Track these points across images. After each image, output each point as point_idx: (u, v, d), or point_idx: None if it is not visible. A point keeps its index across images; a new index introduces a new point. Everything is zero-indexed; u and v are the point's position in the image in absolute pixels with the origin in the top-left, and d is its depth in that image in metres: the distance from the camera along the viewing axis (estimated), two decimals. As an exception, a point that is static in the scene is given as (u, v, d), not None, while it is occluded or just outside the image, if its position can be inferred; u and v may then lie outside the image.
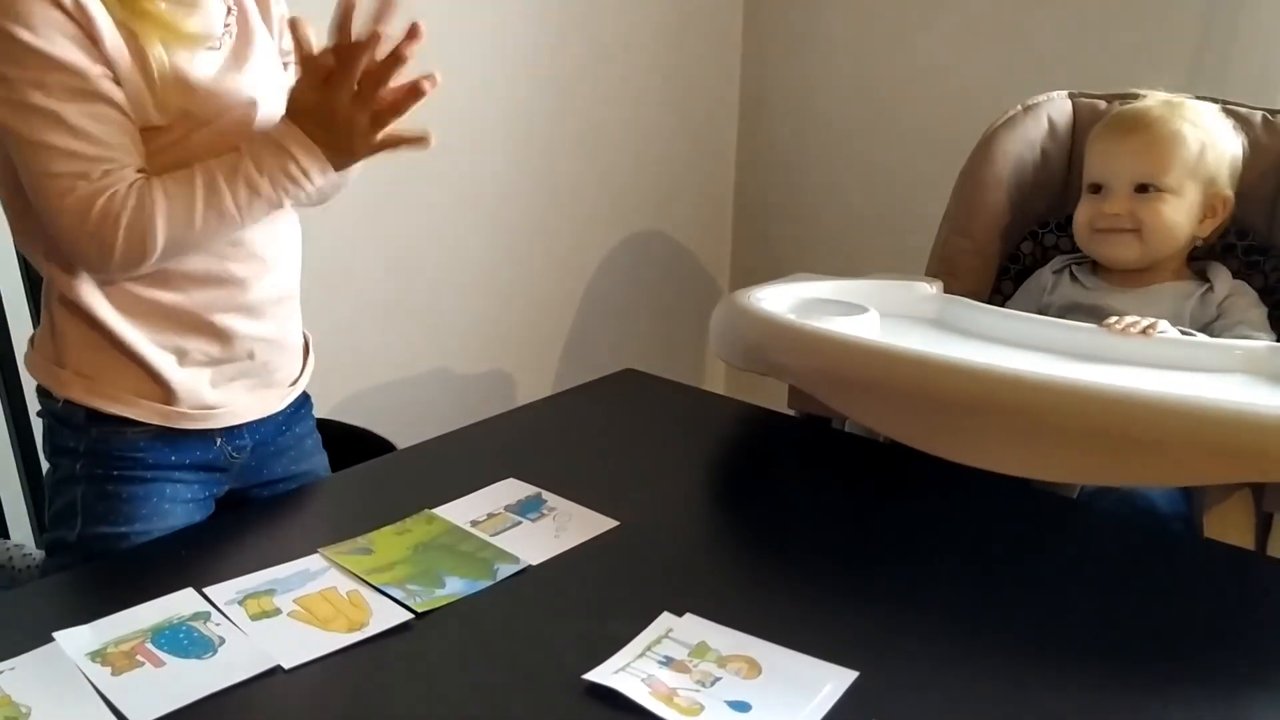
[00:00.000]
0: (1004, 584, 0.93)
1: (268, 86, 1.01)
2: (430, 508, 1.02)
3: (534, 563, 0.93)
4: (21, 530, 1.30)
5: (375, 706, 0.77)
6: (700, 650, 0.81)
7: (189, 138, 0.96)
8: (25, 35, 0.86)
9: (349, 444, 1.28)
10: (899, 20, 2.18)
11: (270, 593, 0.88)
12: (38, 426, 1.12)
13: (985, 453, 1.06)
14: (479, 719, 0.76)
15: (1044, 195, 1.55)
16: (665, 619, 0.85)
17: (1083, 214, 1.42)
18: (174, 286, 0.99)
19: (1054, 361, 1.17)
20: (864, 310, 1.25)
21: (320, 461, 1.19)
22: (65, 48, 0.88)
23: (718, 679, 0.78)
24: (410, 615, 0.85)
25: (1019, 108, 1.54)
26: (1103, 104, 1.53)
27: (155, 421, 1.01)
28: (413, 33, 0.90)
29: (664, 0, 2.22)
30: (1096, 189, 1.41)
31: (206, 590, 0.88)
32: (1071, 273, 1.46)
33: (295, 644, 0.81)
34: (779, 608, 0.89)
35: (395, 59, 0.90)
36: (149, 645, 0.81)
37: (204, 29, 0.98)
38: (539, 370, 2.21)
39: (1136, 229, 1.37)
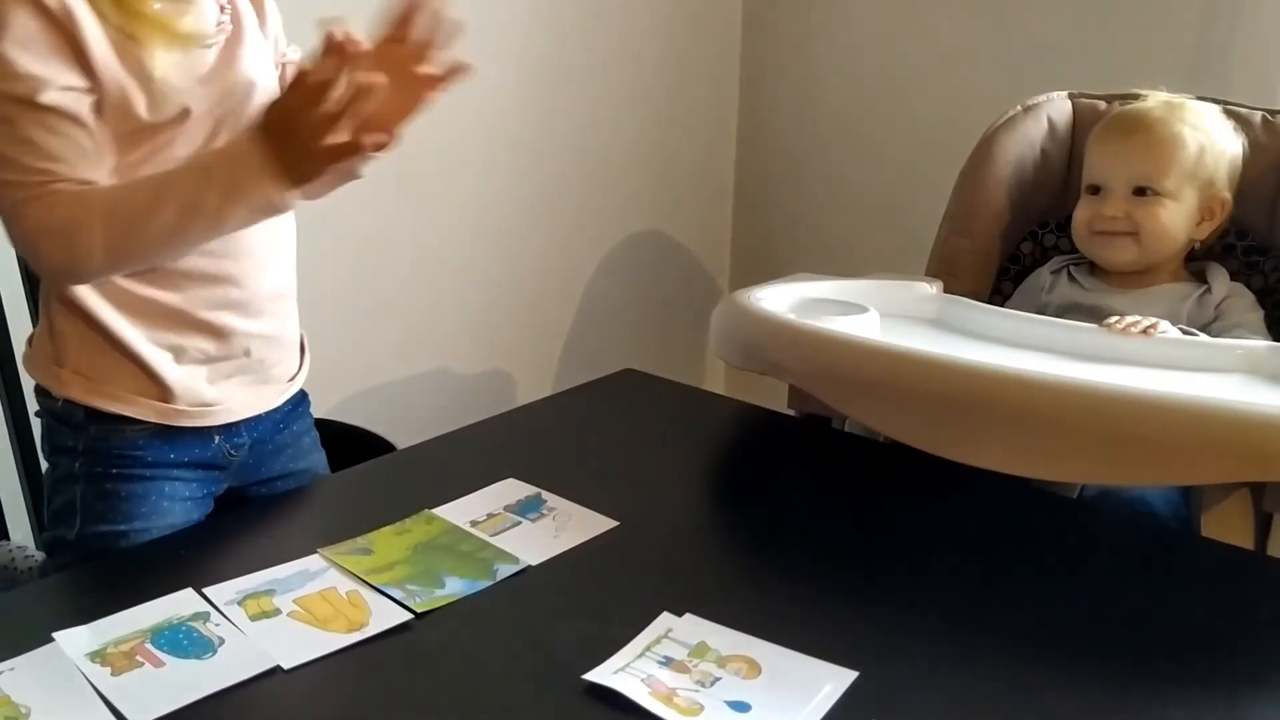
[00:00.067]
0: (1004, 584, 0.93)
1: (261, 84, 1.01)
2: (430, 508, 1.01)
3: (534, 563, 0.93)
4: (21, 530, 1.30)
5: (375, 707, 0.77)
6: (700, 650, 0.81)
7: (184, 134, 0.96)
8: None
9: (349, 444, 1.28)
10: (898, 21, 2.18)
11: (270, 593, 0.88)
12: (37, 426, 1.12)
13: (985, 452, 1.06)
14: (479, 719, 0.76)
15: (1044, 195, 1.55)
16: (665, 619, 0.85)
17: (1081, 215, 1.42)
18: (170, 284, 0.99)
19: (1054, 361, 1.17)
20: (864, 310, 1.25)
21: (318, 460, 1.19)
22: (31, 54, 0.88)
23: (717, 679, 0.78)
24: (410, 615, 0.85)
25: (1019, 108, 1.54)
26: (1103, 104, 1.52)
27: (153, 419, 1.02)
28: (451, 28, 0.93)
29: (664, 0, 2.22)
30: (1095, 190, 1.41)
31: (206, 590, 0.88)
32: (1070, 273, 1.46)
33: (295, 644, 0.81)
34: (779, 608, 0.89)
35: (365, 93, 0.87)
36: (149, 645, 0.81)
37: (198, 27, 0.98)
38: (539, 370, 2.21)
39: (1134, 232, 1.37)
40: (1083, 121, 1.53)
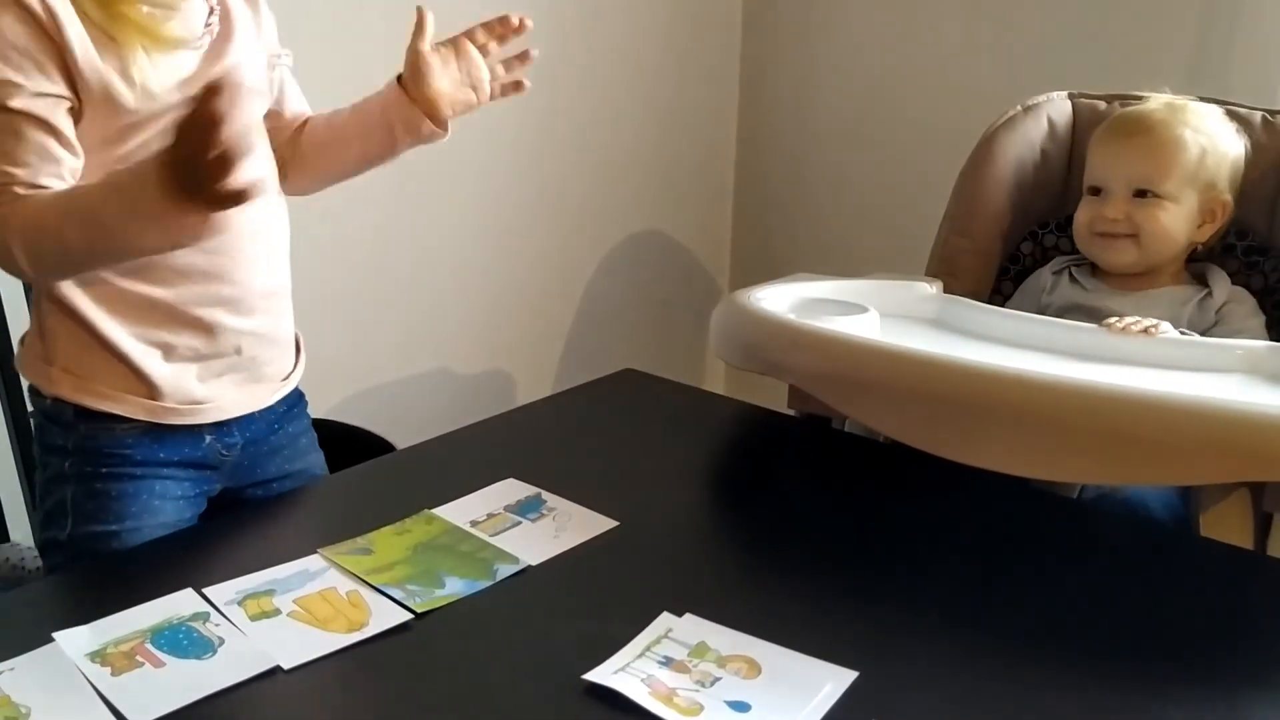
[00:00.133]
0: (1004, 584, 0.93)
1: (248, 84, 1.01)
2: (430, 508, 1.01)
3: (534, 563, 0.93)
4: (21, 531, 1.30)
5: (375, 706, 0.77)
6: (700, 650, 0.81)
7: (167, 130, 0.96)
8: None
9: (348, 444, 1.28)
10: (898, 21, 2.18)
11: (270, 593, 0.88)
12: (38, 427, 1.12)
13: (985, 453, 1.06)
14: (479, 719, 0.76)
15: (1044, 196, 1.55)
16: (665, 619, 0.85)
17: (1082, 215, 1.42)
18: (158, 280, 0.99)
19: (1054, 361, 1.17)
20: (864, 310, 1.25)
21: (316, 460, 1.19)
22: (12, 60, 0.88)
23: (717, 679, 0.78)
24: (410, 615, 0.85)
25: (1019, 108, 1.54)
26: (1103, 104, 1.52)
27: (141, 417, 1.02)
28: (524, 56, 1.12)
29: (664, 0, 2.22)
30: (1096, 191, 1.41)
31: (206, 591, 0.88)
32: (1071, 274, 1.46)
33: (295, 644, 0.81)
34: (779, 608, 0.89)
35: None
36: (149, 646, 0.81)
37: (184, 32, 0.98)
38: (539, 370, 2.21)
39: (1134, 234, 1.37)
40: (1083, 122, 1.53)
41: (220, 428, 1.07)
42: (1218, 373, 1.16)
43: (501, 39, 1.12)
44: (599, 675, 0.77)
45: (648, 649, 0.81)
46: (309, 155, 1.15)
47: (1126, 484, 1.14)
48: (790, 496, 1.09)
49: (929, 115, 2.14)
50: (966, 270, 1.51)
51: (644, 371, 1.39)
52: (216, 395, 1.05)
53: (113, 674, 0.78)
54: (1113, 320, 1.24)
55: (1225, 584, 0.95)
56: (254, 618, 0.84)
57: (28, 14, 0.89)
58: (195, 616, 0.85)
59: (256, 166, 0.88)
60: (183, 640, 0.82)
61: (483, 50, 1.11)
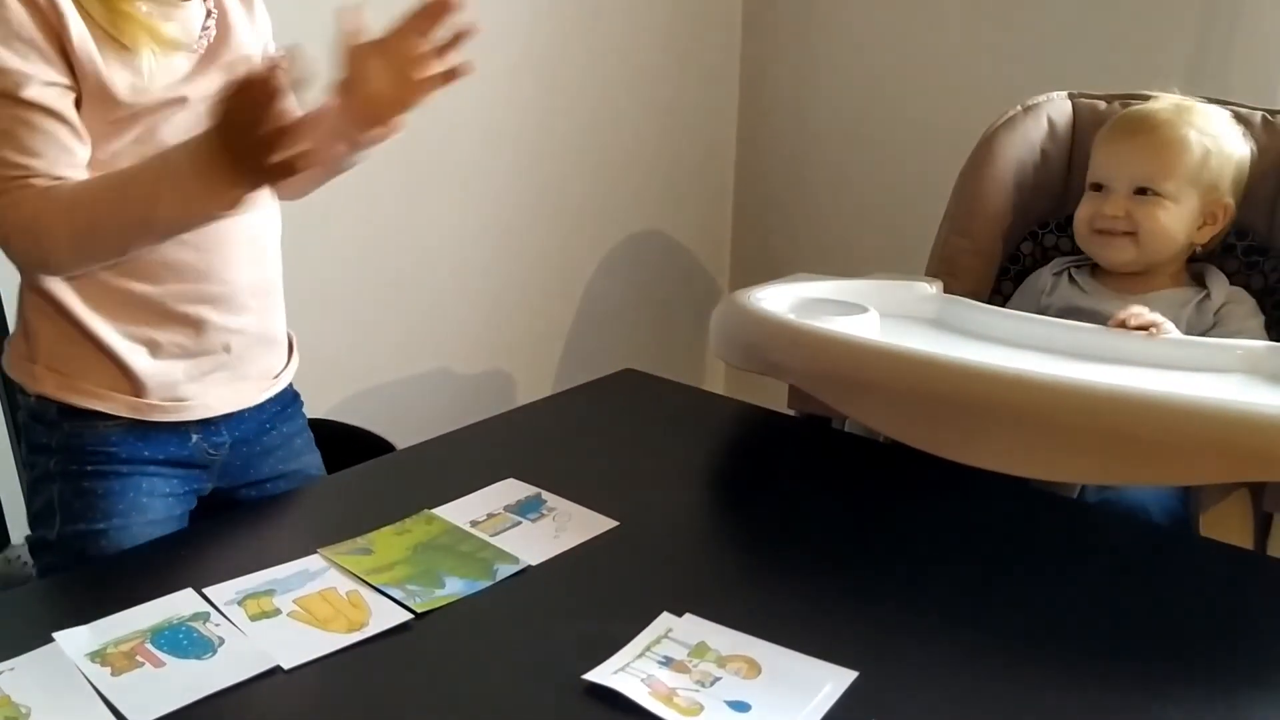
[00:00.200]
0: (1004, 584, 0.93)
1: None
2: (430, 508, 1.01)
3: (534, 563, 0.93)
4: (21, 532, 1.30)
5: (375, 706, 0.77)
6: (700, 650, 0.81)
7: (166, 124, 0.96)
8: None
9: (348, 444, 1.28)
10: (898, 21, 2.18)
11: (270, 593, 0.88)
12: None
13: (985, 453, 1.06)
14: (479, 719, 0.76)
15: (1044, 196, 1.55)
16: (665, 619, 0.85)
17: (1083, 212, 1.42)
18: (147, 276, 0.99)
19: (1054, 361, 1.17)
20: (864, 310, 1.25)
21: (312, 461, 1.18)
22: (19, 51, 0.89)
23: (717, 679, 0.78)
24: (410, 615, 0.85)
25: (1019, 108, 1.54)
26: (1103, 104, 1.52)
27: (124, 414, 1.02)
28: (463, 31, 0.95)
29: (664, 0, 2.22)
30: (1098, 188, 1.41)
31: (206, 591, 0.88)
32: (1070, 275, 1.46)
33: (295, 644, 0.81)
34: (779, 608, 0.89)
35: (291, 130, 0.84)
36: (149, 646, 0.81)
37: (182, 34, 0.99)
38: (539, 370, 2.21)
39: (1133, 232, 1.37)
40: (1083, 122, 1.53)
41: (207, 426, 1.07)
42: (1218, 373, 1.16)
43: (432, 24, 0.98)
44: (599, 675, 0.77)
45: (648, 649, 0.81)
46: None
47: (1126, 484, 1.14)
48: (790, 496, 1.09)
49: (929, 115, 2.14)
50: (966, 270, 1.51)
51: (644, 371, 1.39)
52: (201, 393, 1.05)
53: (113, 674, 0.78)
54: (1123, 314, 1.24)
55: (1225, 584, 0.95)
56: (254, 618, 0.84)
57: (31, 3, 0.89)
58: (195, 616, 0.85)
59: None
60: (183, 640, 0.82)
61: (419, 37, 0.98)
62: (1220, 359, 1.18)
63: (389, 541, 0.96)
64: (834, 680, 0.78)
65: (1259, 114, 1.45)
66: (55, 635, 0.81)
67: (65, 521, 1.02)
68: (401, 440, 1.30)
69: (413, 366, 1.98)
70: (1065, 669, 0.81)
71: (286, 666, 0.79)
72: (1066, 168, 1.54)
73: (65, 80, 0.91)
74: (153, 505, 1.04)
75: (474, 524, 0.99)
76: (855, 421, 1.26)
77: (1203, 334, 1.33)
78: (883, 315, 1.26)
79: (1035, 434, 1.04)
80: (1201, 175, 1.36)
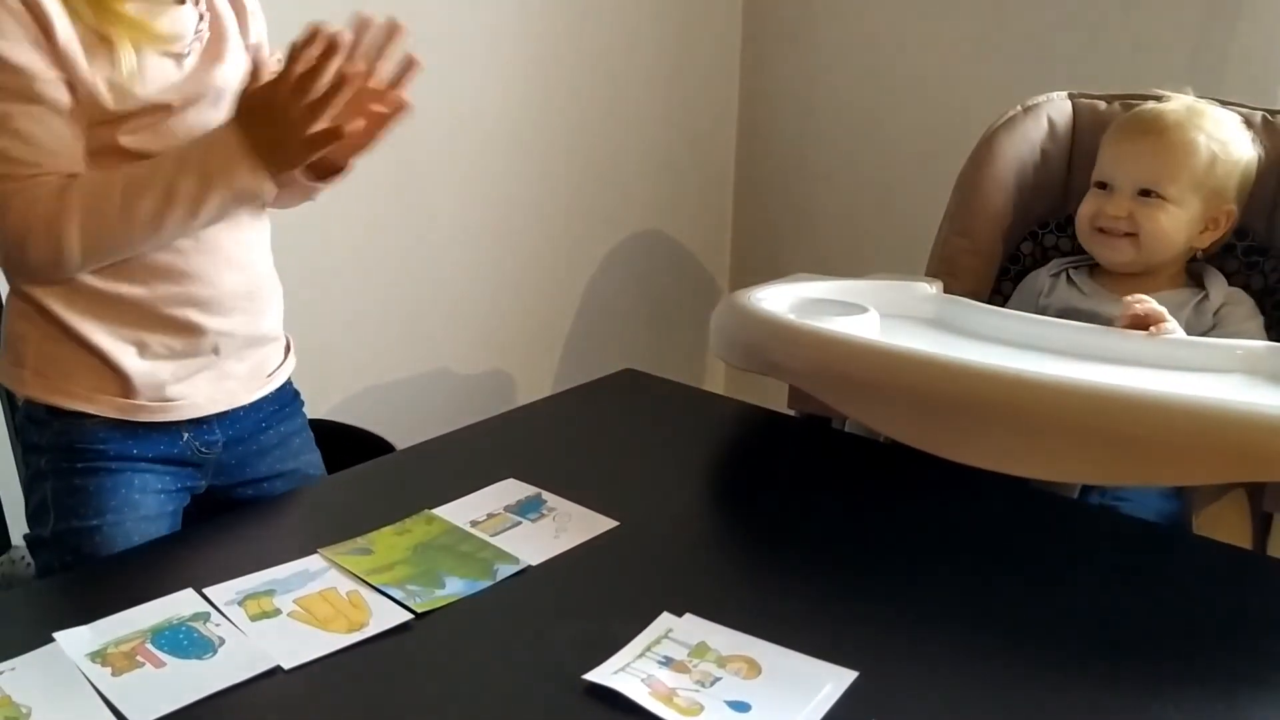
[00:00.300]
0: (1004, 584, 0.93)
1: (231, 92, 1.01)
2: (430, 508, 1.01)
3: (534, 563, 0.93)
4: (22, 532, 1.30)
5: (375, 707, 0.77)
6: (700, 650, 0.81)
7: (151, 130, 0.97)
8: None
9: (348, 444, 1.28)
10: (899, 21, 2.18)
11: (270, 593, 0.88)
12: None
13: (985, 453, 1.06)
14: (479, 719, 0.76)
15: (1044, 196, 1.55)
16: (665, 619, 0.85)
17: (1086, 209, 1.42)
18: (134, 279, 0.99)
19: (1054, 361, 1.17)
20: (864, 310, 1.25)
21: (311, 460, 1.18)
22: (19, 48, 0.89)
23: (717, 679, 0.78)
24: (410, 616, 0.85)
25: (1019, 108, 1.54)
26: (1103, 104, 1.52)
27: (112, 415, 1.02)
28: (409, 64, 0.96)
29: (664, 0, 2.22)
30: (1103, 186, 1.41)
31: (206, 591, 0.88)
32: (1069, 276, 1.45)
33: (295, 644, 0.81)
34: (779, 608, 0.89)
35: (349, 81, 0.90)
36: (149, 646, 0.81)
37: (174, 28, 0.99)
38: (539, 370, 2.21)
39: (1134, 233, 1.37)
40: (1083, 122, 1.53)
41: (199, 425, 1.07)
42: (1217, 373, 1.16)
43: (380, 52, 0.96)
44: (599, 675, 0.77)
45: (648, 649, 0.81)
46: None
47: (1126, 484, 1.14)
48: (790, 496, 1.09)
49: (929, 115, 2.14)
50: (966, 270, 1.51)
51: (644, 371, 1.39)
52: (190, 393, 1.05)
53: (113, 674, 0.78)
54: (1129, 299, 1.24)
55: (1225, 584, 0.95)
56: (254, 618, 0.84)
57: (21, 4, 0.89)
58: (195, 616, 0.85)
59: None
60: (183, 640, 0.82)
61: (365, 73, 0.95)
62: (1220, 359, 1.18)
63: (389, 541, 0.96)
64: (834, 680, 0.78)
65: (1259, 114, 1.45)
66: (55, 635, 0.81)
67: (59, 519, 1.02)
68: (401, 440, 1.30)
69: (412, 366, 1.98)
70: (1065, 669, 0.81)
71: (287, 666, 0.79)
72: (1066, 168, 1.54)
73: (61, 75, 0.91)
74: (145, 501, 1.04)
75: (474, 524, 0.99)
76: (855, 421, 1.26)
77: (1202, 335, 1.33)
78: (883, 315, 1.26)
79: (1035, 434, 1.04)
80: (1207, 180, 1.35)
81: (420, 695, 0.78)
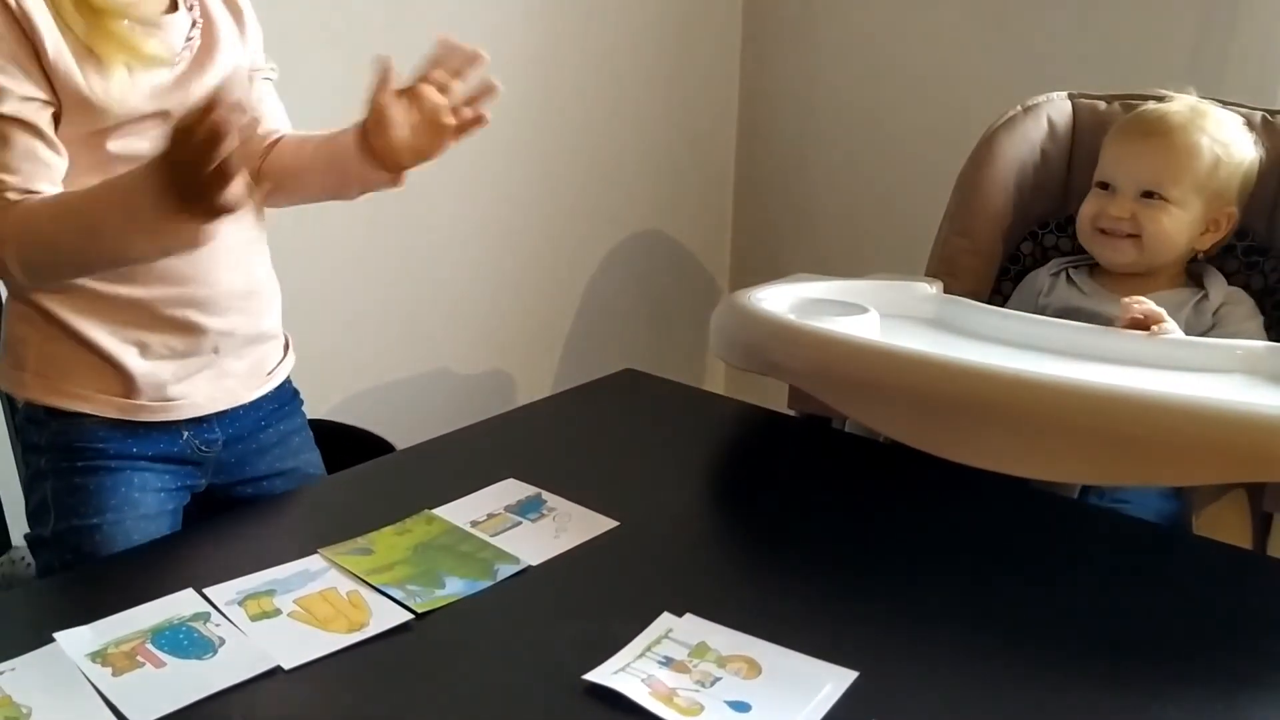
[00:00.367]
0: (1004, 584, 0.93)
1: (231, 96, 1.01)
2: (430, 508, 1.02)
3: (534, 563, 0.93)
4: (22, 531, 1.30)
5: (375, 707, 0.77)
6: (700, 650, 0.81)
7: (144, 137, 0.96)
8: None
9: (348, 444, 1.28)
10: (899, 21, 2.18)
11: (270, 593, 0.88)
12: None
13: (985, 453, 1.06)
14: (479, 719, 0.76)
15: (1044, 196, 1.55)
16: (665, 619, 0.85)
17: (1088, 209, 1.42)
18: (134, 281, 0.99)
19: (1054, 361, 1.17)
20: (864, 310, 1.25)
21: (310, 459, 1.19)
22: None
23: (718, 679, 0.78)
24: (410, 616, 0.85)
25: (1019, 108, 1.54)
26: (1103, 105, 1.52)
27: (113, 415, 1.02)
28: (488, 88, 1.02)
29: (664, 0, 2.22)
30: (1105, 186, 1.41)
31: (206, 591, 0.88)
32: (1068, 276, 1.45)
33: (295, 644, 0.81)
34: (779, 608, 0.89)
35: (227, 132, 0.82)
36: (149, 646, 0.81)
37: (164, 50, 0.98)
38: (539, 370, 2.21)
39: (1136, 234, 1.37)
40: (1083, 122, 1.53)
41: (199, 424, 1.07)
42: (1217, 373, 1.16)
43: (458, 74, 1.03)
44: (599, 675, 0.78)
45: (648, 649, 0.81)
46: (271, 178, 1.12)
47: (1126, 484, 1.14)
48: (790, 496, 1.09)
49: (929, 115, 2.14)
50: (966, 270, 1.51)
51: (644, 371, 1.39)
52: (190, 392, 1.05)
53: (113, 674, 0.78)
54: (1127, 300, 1.24)
55: (1225, 584, 0.95)
56: (254, 618, 0.85)
57: (6, 15, 0.89)
58: (196, 616, 0.85)
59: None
60: (183, 640, 0.82)
61: (442, 89, 1.02)
62: (1220, 359, 1.18)
63: (389, 541, 0.96)
64: (834, 680, 0.78)
65: (1259, 114, 1.45)
66: (56, 635, 0.81)
67: (59, 518, 1.03)
68: (401, 440, 1.30)
69: (412, 366, 1.98)
70: (1065, 669, 0.81)
71: (287, 666, 0.79)
72: (1066, 168, 1.54)
73: (43, 95, 0.91)
74: (144, 500, 1.04)
75: (474, 524, 0.99)
76: (855, 421, 1.26)
77: (1201, 335, 1.33)
78: (883, 315, 1.26)
79: (1035, 434, 1.04)
80: (1209, 183, 1.35)
81: (420, 695, 0.78)
